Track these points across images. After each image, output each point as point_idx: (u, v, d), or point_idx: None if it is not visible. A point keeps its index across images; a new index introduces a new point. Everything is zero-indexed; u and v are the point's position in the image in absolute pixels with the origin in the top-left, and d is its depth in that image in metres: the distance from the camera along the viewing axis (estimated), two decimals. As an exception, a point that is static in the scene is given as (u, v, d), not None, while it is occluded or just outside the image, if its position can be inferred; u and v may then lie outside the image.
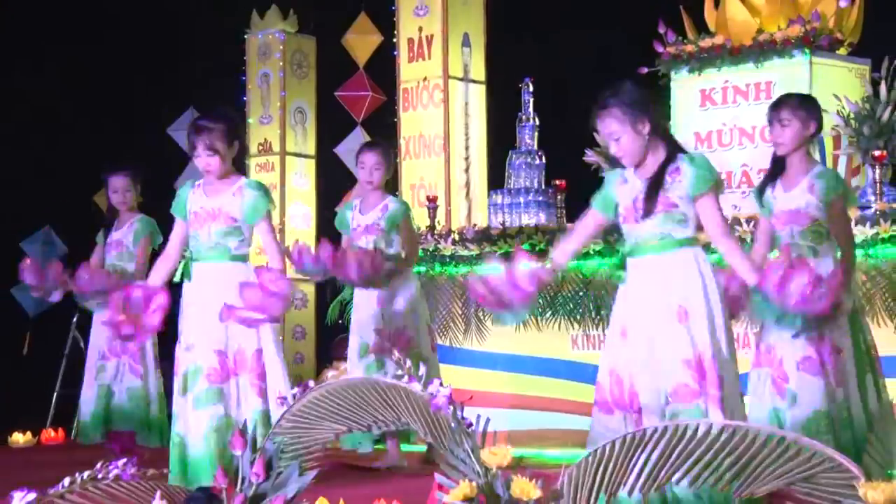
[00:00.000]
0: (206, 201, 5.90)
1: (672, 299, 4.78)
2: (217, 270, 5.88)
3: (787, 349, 5.53)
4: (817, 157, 7.01)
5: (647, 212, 4.87)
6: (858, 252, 6.55)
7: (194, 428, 5.82)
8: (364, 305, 7.03)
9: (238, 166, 6.13)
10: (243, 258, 5.92)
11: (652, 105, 4.93)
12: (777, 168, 5.79)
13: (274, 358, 5.92)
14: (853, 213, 6.26)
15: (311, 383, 4.52)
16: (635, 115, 4.84)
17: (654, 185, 4.85)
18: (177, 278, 6.06)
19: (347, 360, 7.24)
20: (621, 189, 4.99)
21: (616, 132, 4.87)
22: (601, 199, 5.08)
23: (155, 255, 7.34)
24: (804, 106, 5.76)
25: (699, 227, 4.83)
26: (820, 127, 5.78)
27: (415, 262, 7.19)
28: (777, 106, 5.84)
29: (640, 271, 4.90)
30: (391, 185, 9.71)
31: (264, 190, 5.97)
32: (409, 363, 4.27)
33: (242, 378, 5.84)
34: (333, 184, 11.01)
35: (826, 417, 5.48)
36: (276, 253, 5.92)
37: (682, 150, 4.90)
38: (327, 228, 10.58)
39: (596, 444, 4.04)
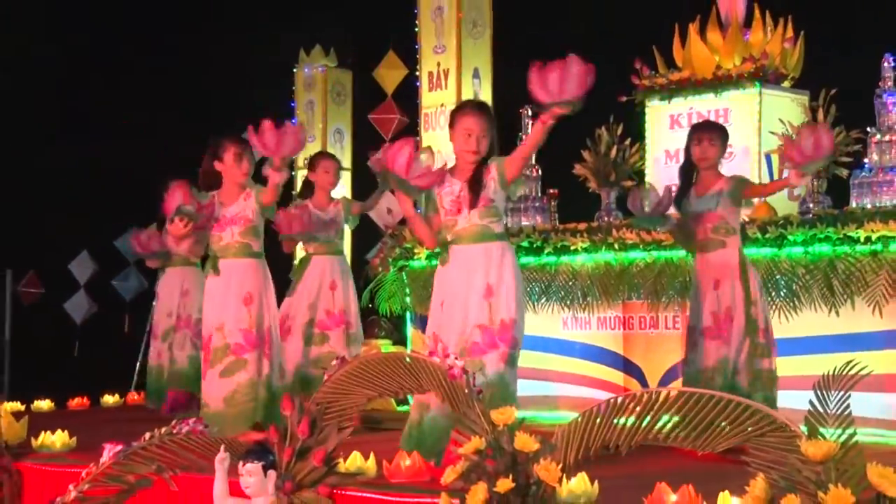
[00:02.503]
0: None
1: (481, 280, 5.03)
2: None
3: None
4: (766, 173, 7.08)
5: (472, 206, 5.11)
6: (798, 249, 6.56)
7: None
8: None
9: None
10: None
11: None
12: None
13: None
14: None
15: (347, 357, 4.52)
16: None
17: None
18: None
19: None
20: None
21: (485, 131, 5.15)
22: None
23: None
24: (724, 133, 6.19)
25: None
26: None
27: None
28: (708, 128, 6.14)
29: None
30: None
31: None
32: None
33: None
34: (365, 191, 10.99)
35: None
36: None
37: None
38: (360, 226, 10.58)
39: None
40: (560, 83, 4.77)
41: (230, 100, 11.70)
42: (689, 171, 6.17)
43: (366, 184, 11.03)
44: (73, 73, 11.74)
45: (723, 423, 3.57)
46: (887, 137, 6.88)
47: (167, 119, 11.60)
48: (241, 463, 4.16)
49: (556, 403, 7.58)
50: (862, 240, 6.38)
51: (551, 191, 8.54)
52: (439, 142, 9.27)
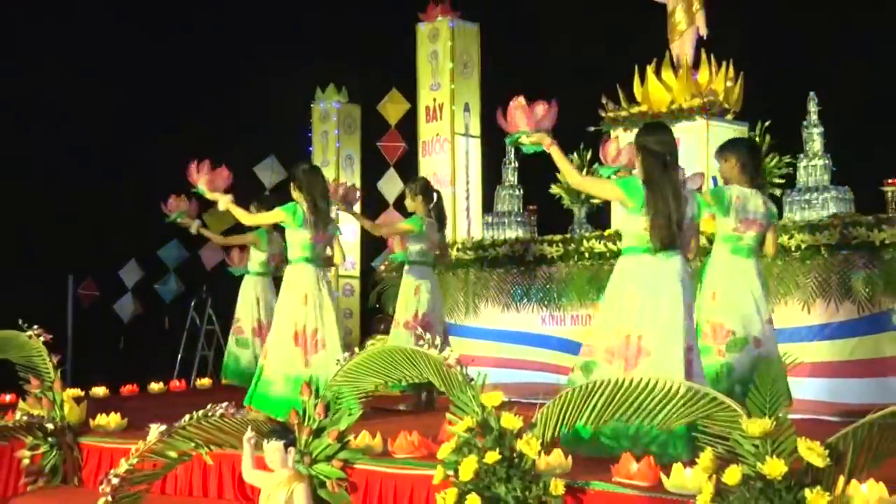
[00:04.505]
0: None
1: None
2: None
3: None
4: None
5: None
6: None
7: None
8: None
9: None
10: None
11: None
12: None
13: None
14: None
15: (357, 350, 4.52)
16: None
17: None
18: None
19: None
20: None
21: None
22: None
23: None
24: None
25: None
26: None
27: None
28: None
29: None
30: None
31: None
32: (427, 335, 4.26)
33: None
34: (373, 207, 11.02)
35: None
36: None
37: None
38: (368, 239, 10.59)
39: None
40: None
41: (258, 130, 11.71)
42: None
43: (374, 202, 11.06)
44: (124, 106, 11.72)
45: (677, 405, 3.57)
46: (813, 162, 6.92)
47: (202, 150, 11.59)
48: (265, 441, 4.15)
49: (536, 390, 7.57)
50: (793, 248, 6.40)
51: (531, 207, 8.55)
52: (436, 166, 9.29)
